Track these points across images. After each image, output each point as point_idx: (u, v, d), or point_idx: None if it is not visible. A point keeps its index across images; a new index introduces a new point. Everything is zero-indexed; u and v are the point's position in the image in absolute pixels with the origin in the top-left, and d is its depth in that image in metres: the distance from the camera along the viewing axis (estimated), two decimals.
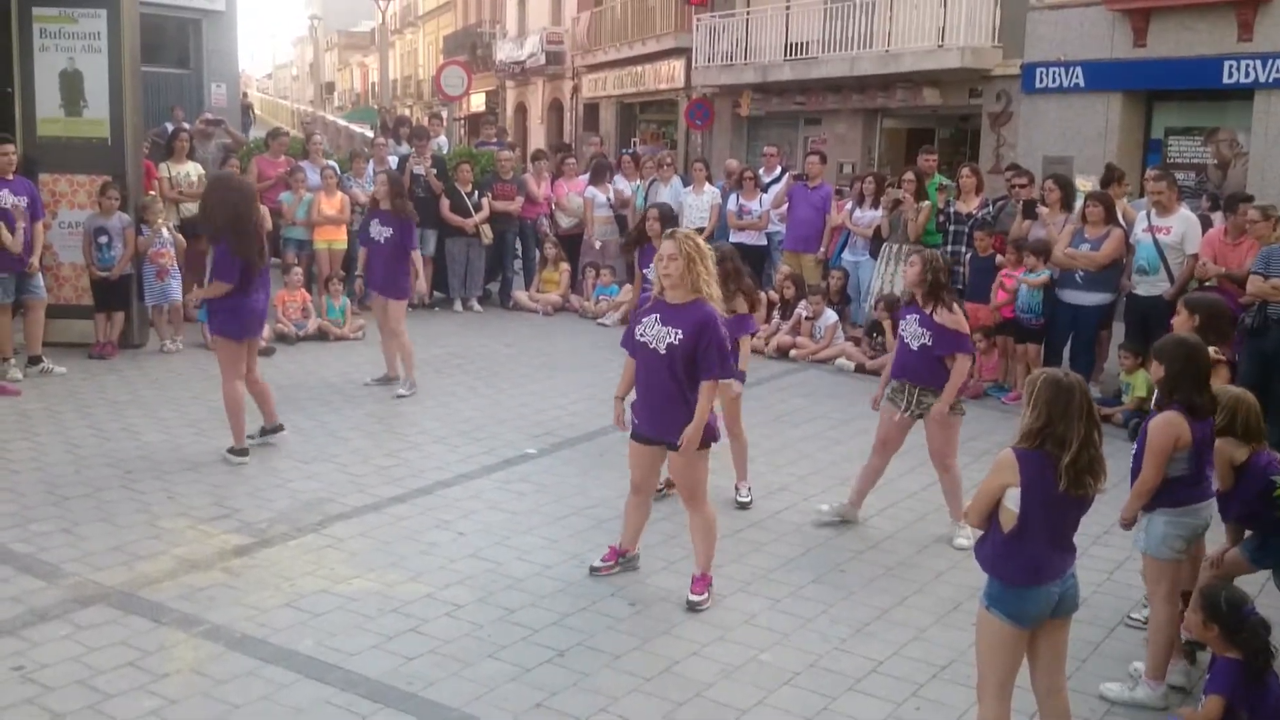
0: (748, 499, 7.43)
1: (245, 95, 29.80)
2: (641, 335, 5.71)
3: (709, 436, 5.78)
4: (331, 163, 14.04)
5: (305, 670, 5.06)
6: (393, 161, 14.10)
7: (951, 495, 7.03)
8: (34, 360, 10.04)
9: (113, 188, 10.75)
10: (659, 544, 6.52)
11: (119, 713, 4.65)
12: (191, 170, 12.39)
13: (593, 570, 6.19)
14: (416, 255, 10.12)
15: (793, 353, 11.83)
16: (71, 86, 10.93)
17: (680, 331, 5.60)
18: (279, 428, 8.31)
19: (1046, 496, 4.06)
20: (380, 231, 9.86)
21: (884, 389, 7.12)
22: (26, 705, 4.68)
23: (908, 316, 6.97)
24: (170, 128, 14.61)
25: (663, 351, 5.62)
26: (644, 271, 8.19)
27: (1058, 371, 4.21)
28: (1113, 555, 6.51)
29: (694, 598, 5.79)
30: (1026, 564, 4.13)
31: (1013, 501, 4.11)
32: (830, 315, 11.91)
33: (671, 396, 5.69)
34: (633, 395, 5.96)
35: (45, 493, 7.18)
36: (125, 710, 4.67)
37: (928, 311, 6.81)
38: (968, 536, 6.45)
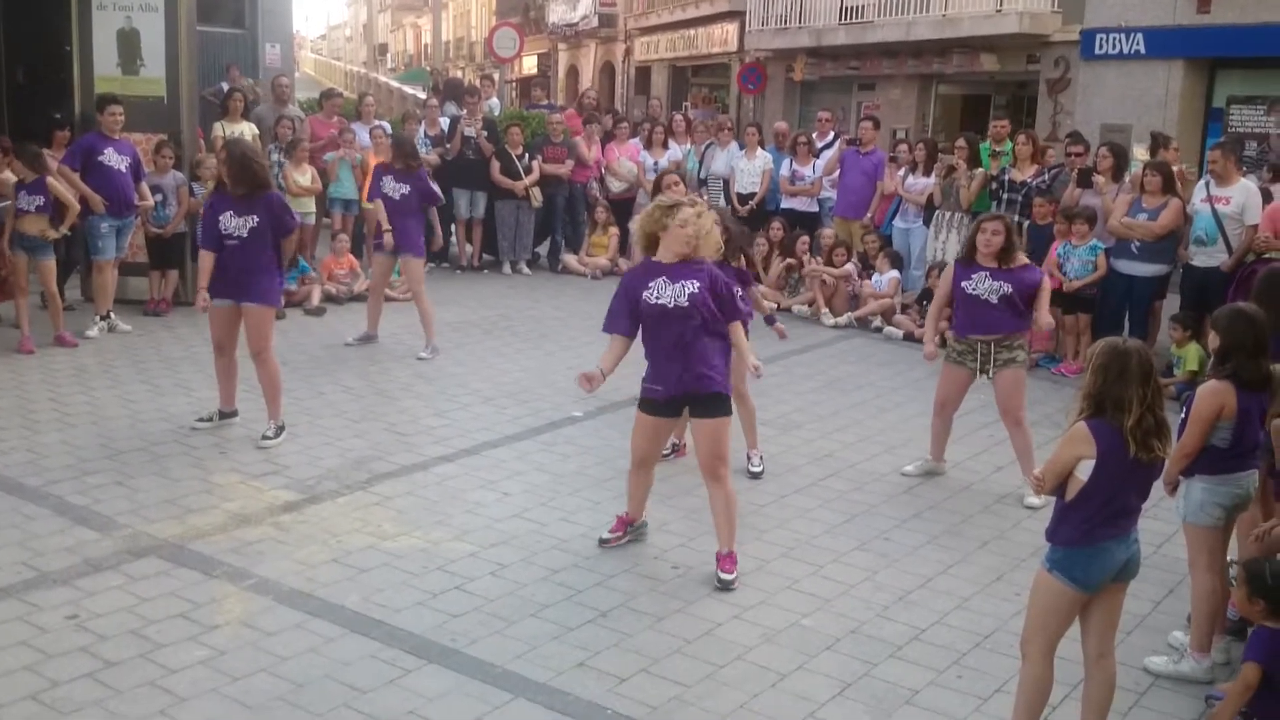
0: (759, 468, 7.29)
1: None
2: (657, 299, 5.64)
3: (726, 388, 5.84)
4: (383, 123, 14.09)
5: (351, 625, 5.13)
6: (444, 123, 14.13)
7: (1024, 453, 7.09)
8: (102, 316, 10.25)
9: (167, 146, 10.87)
10: (702, 508, 6.51)
11: (170, 662, 4.75)
12: (246, 130, 12.44)
13: (602, 541, 6.13)
14: (434, 214, 10.17)
15: (855, 312, 11.86)
16: (129, 45, 11.02)
17: (695, 281, 5.64)
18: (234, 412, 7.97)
19: (1119, 465, 4.06)
20: (396, 188, 9.89)
21: (933, 333, 7.45)
22: (80, 653, 4.79)
23: (974, 276, 7.03)
24: (225, 87, 14.69)
25: (685, 304, 5.61)
26: None
27: (1116, 338, 4.21)
28: (1161, 529, 6.44)
29: (726, 575, 5.69)
30: (1080, 525, 4.14)
31: (1084, 472, 4.11)
32: (892, 272, 11.85)
33: (704, 345, 5.69)
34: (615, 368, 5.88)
35: (101, 446, 7.32)
36: (176, 660, 4.77)
37: (998, 266, 6.97)
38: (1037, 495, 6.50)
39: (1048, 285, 7.25)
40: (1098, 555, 4.15)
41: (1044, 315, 7.13)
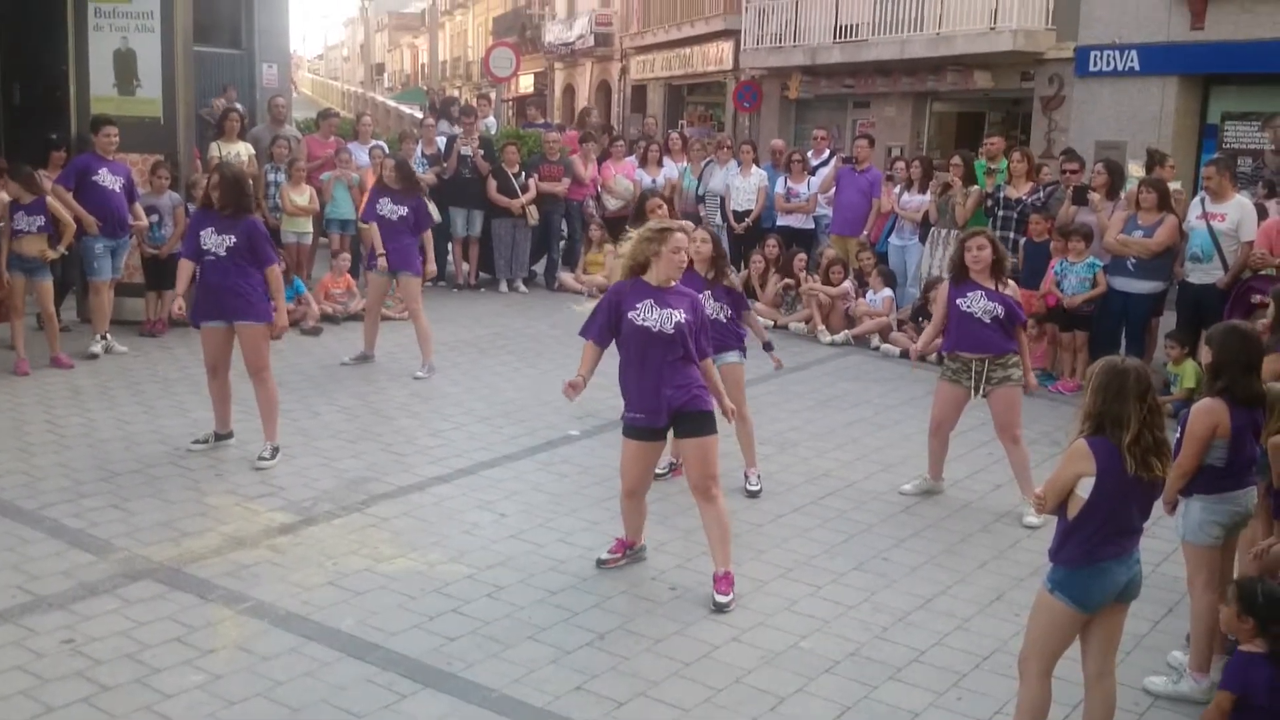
0: (757, 487, 7.28)
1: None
2: (643, 321, 5.66)
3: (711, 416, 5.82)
4: (380, 142, 14.10)
5: (347, 648, 5.11)
6: (441, 142, 14.15)
7: (1021, 470, 7.12)
8: (101, 336, 10.21)
9: (163, 166, 10.87)
10: (698, 529, 6.50)
11: (166, 687, 4.72)
12: (242, 150, 12.45)
13: (600, 563, 6.11)
14: (428, 236, 10.19)
15: (852, 330, 11.84)
16: (125, 66, 11.03)
17: (682, 310, 5.69)
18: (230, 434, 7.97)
19: (1118, 483, 4.07)
20: (394, 210, 9.88)
21: (925, 346, 7.58)
22: (76, 678, 4.76)
23: (969, 294, 7.06)
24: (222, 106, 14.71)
25: (670, 331, 5.64)
26: None
27: (1115, 357, 4.24)
28: (1159, 547, 6.42)
29: (721, 598, 5.66)
30: (1083, 545, 4.14)
31: (1085, 489, 4.12)
32: (886, 291, 11.88)
33: (684, 372, 5.71)
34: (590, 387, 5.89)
35: (96, 468, 7.29)
36: (172, 684, 4.74)
37: (993, 287, 7.03)
38: (1037, 514, 6.46)
39: (1025, 341, 7.28)
40: (1099, 576, 4.14)
41: (1029, 377, 7.26)
